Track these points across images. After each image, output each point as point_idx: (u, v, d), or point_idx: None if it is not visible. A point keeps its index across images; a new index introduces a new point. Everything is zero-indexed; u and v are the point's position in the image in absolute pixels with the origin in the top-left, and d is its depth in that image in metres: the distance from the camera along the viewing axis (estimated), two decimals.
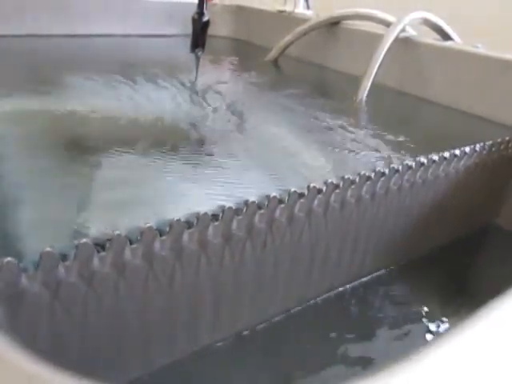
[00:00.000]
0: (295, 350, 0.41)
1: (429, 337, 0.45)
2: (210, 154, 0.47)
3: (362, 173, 0.43)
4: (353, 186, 0.43)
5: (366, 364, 0.41)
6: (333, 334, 0.44)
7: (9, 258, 0.26)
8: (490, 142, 0.56)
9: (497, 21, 0.93)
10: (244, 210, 0.36)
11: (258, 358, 0.40)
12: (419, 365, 0.18)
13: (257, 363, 0.40)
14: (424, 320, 0.47)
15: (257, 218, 0.37)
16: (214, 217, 0.34)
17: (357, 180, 0.43)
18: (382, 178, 0.45)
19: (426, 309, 0.48)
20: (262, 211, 0.37)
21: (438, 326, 0.46)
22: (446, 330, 0.43)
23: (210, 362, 0.39)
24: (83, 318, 0.31)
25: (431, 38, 0.77)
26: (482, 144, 0.55)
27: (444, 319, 0.47)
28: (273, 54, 0.95)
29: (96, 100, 0.59)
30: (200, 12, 0.66)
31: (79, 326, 0.31)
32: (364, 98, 0.70)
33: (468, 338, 0.20)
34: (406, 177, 0.47)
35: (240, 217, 0.36)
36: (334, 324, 0.45)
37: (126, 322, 0.33)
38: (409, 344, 0.44)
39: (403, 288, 0.51)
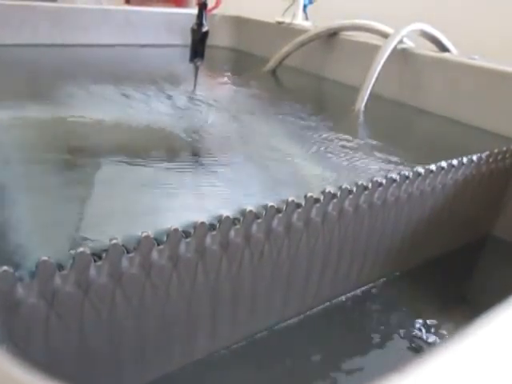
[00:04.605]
0: (294, 360, 0.41)
1: (426, 346, 0.45)
2: (207, 164, 0.47)
3: (360, 183, 0.43)
4: (350, 196, 0.43)
5: (364, 373, 0.40)
6: (331, 344, 0.44)
7: (5, 267, 0.26)
8: (488, 153, 0.56)
9: (495, 31, 0.94)
10: (242, 220, 0.36)
11: (255, 368, 0.40)
12: (416, 374, 0.18)
13: (255, 373, 0.40)
14: (422, 329, 0.46)
15: (254, 227, 0.37)
16: (212, 226, 0.34)
17: (354, 190, 0.43)
18: (380, 188, 0.45)
19: (423, 318, 0.48)
20: (259, 220, 0.37)
21: (436, 336, 0.46)
22: (444, 340, 0.43)
23: (207, 372, 0.39)
24: (80, 328, 0.30)
25: (428, 50, 0.78)
26: (479, 154, 0.55)
27: (442, 329, 0.47)
28: (271, 64, 0.95)
29: (95, 109, 0.59)
30: (199, 22, 0.67)
31: (76, 336, 0.31)
32: (362, 108, 0.71)
33: (466, 348, 0.19)
34: (403, 187, 0.47)
35: (237, 226, 0.36)
36: (333, 333, 0.45)
37: (122, 332, 0.33)
38: (407, 353, 0.43)
39: (401, 297, 0.51)
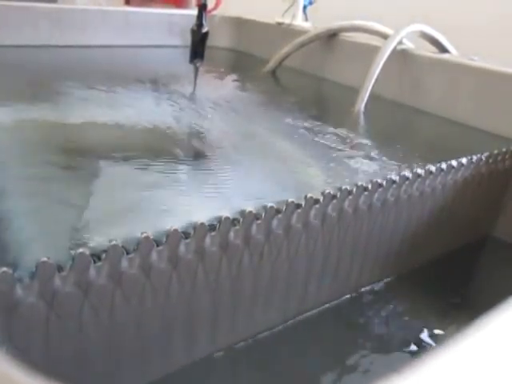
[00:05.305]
0: (294, 360, 0.41)
1: (426, 347, 0.45)
2: (207, 164, 0.47)
3: (359, 183, 0.43)
4: (350, 197, 0.43)
5: (364, 374, 0.40)
6: (331, 345, 0.43)
7: (4, 268, 0.26)
8: (487, 154, 0.56)
9: (495, 32, 0.94)
10: (241, 221, 0.36)
11: (255, 370, 0.40)
12: (416, 375, 0.18)
13: (254, 375, 0.40)
14: (422, 330, 0.46)
15: (254, 228, 0.37)
16: (211, 227, 0.34)
17: (354, 191, 0.43)
18: (380, 189, 0.45)
19: (423, 319, 0.48)
20: (259, 221, 0.37)
21: (436, 337, 0.46)
22: (444, 341, 0.43)
23: (207, 374, 0.39)
24: (79, 329, 0.30)
25: (428, 51, 0.78)
26: (478, 155, 0.55)
27: (442, 330, 0.47)
28: (271, 65, 0.95)
29: (94, 111, 0.59)
30: (199, 23, 0.66)
31: (75, 337, 0.31)
32: (362, 109, 0.71)
33: (466, 349, 0.19)
34: (403, 188, 0.47)
35: (237, 227, 0.36)
36: (333, 334, 0.45)
37: (122, 333, 0.33)
38: (406, 354, 0.43)
39: (400, 300, 0.51)
